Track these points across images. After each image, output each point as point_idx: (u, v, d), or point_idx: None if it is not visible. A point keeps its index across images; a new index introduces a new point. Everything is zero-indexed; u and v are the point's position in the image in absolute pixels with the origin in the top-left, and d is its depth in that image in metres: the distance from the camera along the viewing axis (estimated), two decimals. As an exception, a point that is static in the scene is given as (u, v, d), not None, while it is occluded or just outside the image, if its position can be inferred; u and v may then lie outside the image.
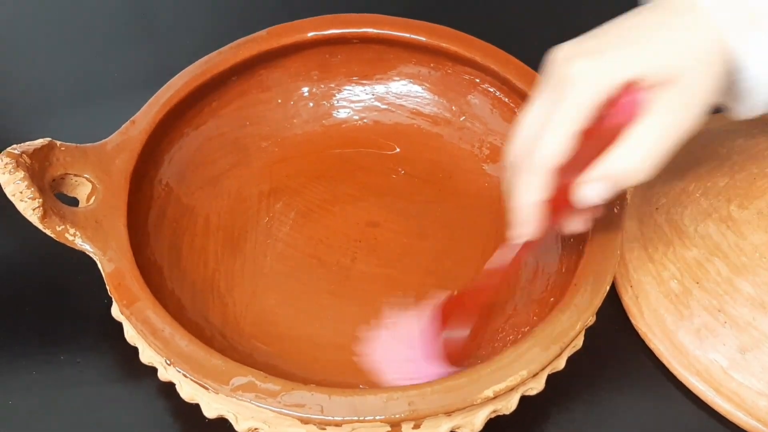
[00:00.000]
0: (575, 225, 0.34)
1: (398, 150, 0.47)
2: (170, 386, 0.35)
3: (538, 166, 0.31)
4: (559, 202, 0.32)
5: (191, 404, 0.35)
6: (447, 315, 0.37)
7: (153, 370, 0.36)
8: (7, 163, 0.35)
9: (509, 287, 0.41)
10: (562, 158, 0.30)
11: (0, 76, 0.52)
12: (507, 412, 0.35)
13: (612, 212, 0.38)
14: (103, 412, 0.38)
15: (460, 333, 0.37)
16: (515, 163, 0.32)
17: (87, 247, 0.36)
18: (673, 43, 0.30)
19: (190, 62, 0.44)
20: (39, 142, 0.37)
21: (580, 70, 0.29)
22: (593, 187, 0.31)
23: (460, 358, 0.37)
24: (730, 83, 0.31)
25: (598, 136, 0.30)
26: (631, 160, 0.30)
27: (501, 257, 0.35)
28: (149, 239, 0.40)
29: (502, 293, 0.39)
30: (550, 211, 0.32)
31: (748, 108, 0.32)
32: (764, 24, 0.30)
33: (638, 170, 0.30)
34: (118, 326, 0.38)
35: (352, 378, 0.38)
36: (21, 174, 0.35)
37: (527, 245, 0.34)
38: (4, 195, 0.35)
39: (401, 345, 0.38)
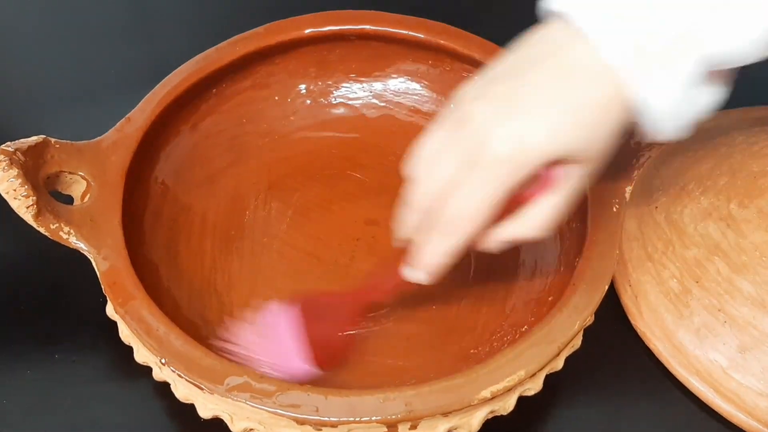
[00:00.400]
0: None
1: (397, 148, 0.47)
2: (166, 386, 0.35)
3: (452, 232, 0.32)
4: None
5: (186, 404, 0.34)
6: (320, 314, 0.37)
7: (148, 370, 0.36)
8: (0, 161, 0.34)
9: (507, 286, 0.41)
10: (478, 232, 0.32)
11: (-4, 73, 0.52)
12: (504, 413, 0.34)
13: (611, 211, 0.38)
14: (98, 411, 0.38)
15: (331, 335, 0.37)
16: (423, 214, 0.33)
17: (81, 246, 0.36)
18: (586, 115, 0.30)
19: (187, 59, 0.43)
20: (33, 139, 0.37)
21: (516, 153, 0.30)
22: (494, 245, 0.33)
23: (330, 361, 0.36)
24: (633, 124, 0.32)
25: (509, 204, 0.32)
26: (531, 227, 0.33)
27: (390, 276, 0.36)
28: (145, 238, 0.40)
29: (378, 303, 0.39)
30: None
31: (657, 137, 0.33)
32: (663, 62, 0.30)
33: (536, 235, 0.33)
34: (114, 325, 0.37)
35: (349, 378, 0.38)
36: (15, 171, 0.34)
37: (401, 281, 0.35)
38: (-2, 193, 0.35)
39: (269, 338, 0.37)
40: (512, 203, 0.32)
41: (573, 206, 0.33)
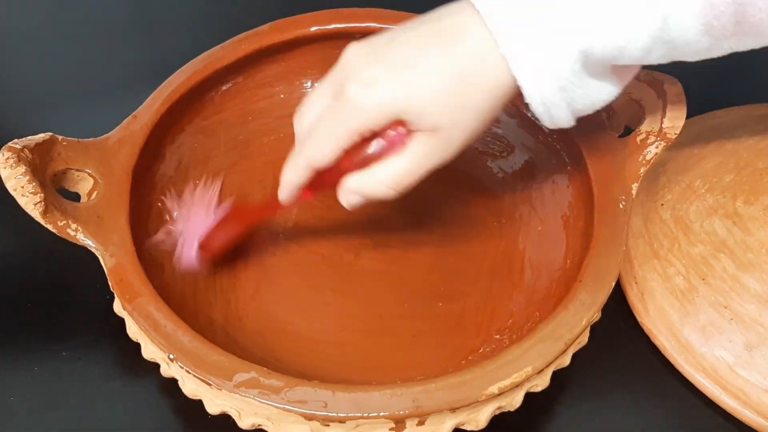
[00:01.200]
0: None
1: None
2: (173, 382, 0.35)
3: (302, 160, 0.35)
4: (321, 185, 0.36)
5: (194, 400, 0.34)
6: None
7: (155, 366, 0.36)
8: (8, 158, 0.35)
9: (513, 283, 0.41)
10: (320, 164, 0.34)
11: (1, 71, 0.52)
12: (512, 409, 0.34)
13: (618, 208, 0.38)
14: (105, 408, 0.38)
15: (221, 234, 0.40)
16: (295, 146, 0.36)
17: (89, 243, 0.36)
18: (448, 84, 0.31)
19: (192, 57, 0.43)
20: (41, 136, 0.37)
21: (361, 101, 0.32)
22: (347, 195, 0.35)
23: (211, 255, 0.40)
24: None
25: (361, 152, 0.34)
26: (380, 183, 0.34)
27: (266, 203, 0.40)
28: (151, 235, 0.40)
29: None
30: (312, 187, 0.36)
31: (547, 123, 0.34)
32: (544, 44, 0.31)
33: (384, 193, 0.34)
34: (120, 322, 0.37)
35: (355, 374, 0.38)
36: (22, 169, 0.35)
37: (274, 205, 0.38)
38: (6, 190, 0.35)
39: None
40: (366, 159, 0.34)
41: (423, 175, 0.34)
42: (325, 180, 0.36)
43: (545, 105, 0.32)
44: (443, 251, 0.43)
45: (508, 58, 0.31)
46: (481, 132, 0.34)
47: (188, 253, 0.39)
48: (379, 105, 0.32)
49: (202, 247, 0.39)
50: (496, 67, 0.31)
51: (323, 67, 0.47)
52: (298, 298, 0.41)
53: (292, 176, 0.36)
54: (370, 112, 0.32)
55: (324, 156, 0.34)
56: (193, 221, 0.40)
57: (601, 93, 0.33)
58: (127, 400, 0.38)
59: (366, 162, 0.34)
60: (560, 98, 0.32)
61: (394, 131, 0.33)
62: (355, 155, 0.34)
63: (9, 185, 0.34)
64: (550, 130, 0.44)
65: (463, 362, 0.38)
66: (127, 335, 0.37)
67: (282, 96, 0.47)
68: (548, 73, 0.31)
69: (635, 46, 0.31)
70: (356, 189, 0.35)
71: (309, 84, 0.47)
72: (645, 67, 0.40)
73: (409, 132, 0.33)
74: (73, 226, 0.36)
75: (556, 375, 0.35)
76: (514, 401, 0.34)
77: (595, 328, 0.37)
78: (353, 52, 0.33)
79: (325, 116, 0.34)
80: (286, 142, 0.46)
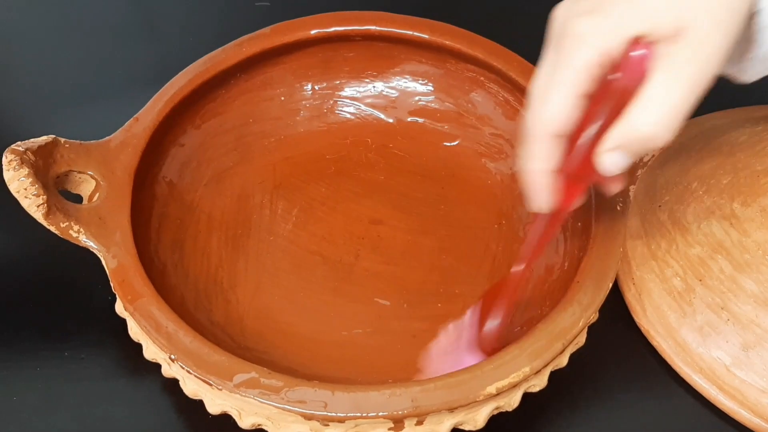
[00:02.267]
0: (611, 188, 0.32)
1: (402, 147, 0.47)
2: (174, 382, 0.35)
3: (540, 131, 0.29)
4: (580, 172, 0.30)
5: (195, 400, 0.35)
6: (488, 306, 0.37)
7: (157, 367, 0.36)
8: (11, 160, 0.35)
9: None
10: (565, 122, 0.29)
11: (4, 73, 0.53)
12: (509, 409, 0.35)
13: (615, 210, 0.38)
14: (107, 408, 0.38)
15: (497, 321, 0.36)
16: (525, 133, 0.31)
17: (91, 244, 0.36)
18: None
19: (194, 60, 0.44)
20: (43, 139, 0.37)
21: (581, 30, 0.28)
22: (612, 157, 0.29)
23: (497, 345, 0.35)
24: (745, 30, 0.29)
25: (609, 101, 0.28)
26: (646, 122, 0.28)
27: (531, 236, 0.34)
28: (152, 236, 0.40)
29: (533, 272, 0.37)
30: (571, 182, 0.31)
31: (757, 63, 0.30)
32: None
33: (655, 133, 0.28)
34: (122, 322, 0.38)
35: (354, 375, 0.38)
36: (25, 171, 0.35)
37: (553, 218, 0.33)
38: (8, 192, 0.35)
39: (449, 341, 0.38)
40: (615, 104, 0.28)
41: (693, 99, 0.27)
42: (582, 162, 0.29)
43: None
44: (443, 252, 0.43)
45: None
46: (737, 34, 0.28)
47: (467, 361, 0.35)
48: (607, 21, 0.27)
49: (486, 346, 0.36)
50: None
51: (324, 69, 0.47)
52: (298, 298, 0.41)
53: (537, 163, 0.29)
54: (600, 33, 0.27)
55: (563, 112, 0.28)
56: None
57: None
58: (129, 399, 0.39)
59: (617, 109, 0.28)
60: None
61: (634, 56, 0.27)
62: (602, 103, 0.28)
63: (12, 187, 0.35)
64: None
65: (462, 362, 0.38)
66: (128, 335, 0.37)
67: (283, 98, 0.47)
68: None
69: None
70: (618, 143, 0.28)
71: (309, 87, 0.48)
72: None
73: (652, 49, 0.27)
74: (76, 227, 0.36)
75: (553, 375, 0.36)
76: (512, 401, 0.34)
77: (592, 329, 0.37)
78: (561, 8, 0.29)
79: (554, 70, 0.28)
80: (286, 143, 0.47)
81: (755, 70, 0.31)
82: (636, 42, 0.28)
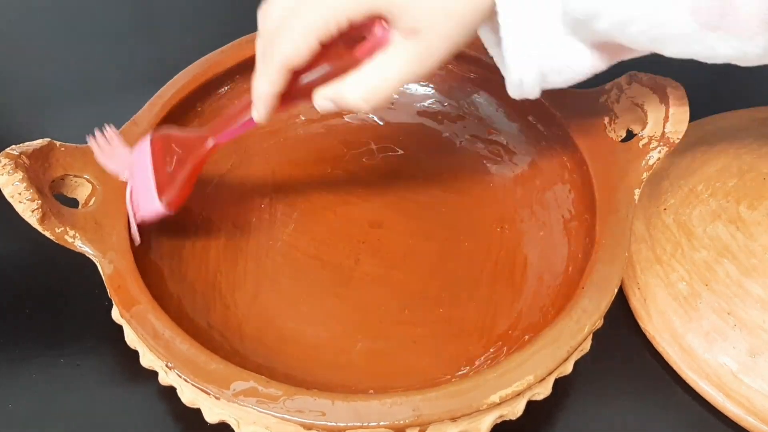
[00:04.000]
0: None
1: (402, 150, 0.47)
2: (170, 390, 0.35)
3: (276, 62, 0.33)
4: (297, 96, 0.34)
5: (192, 409, 0.34)
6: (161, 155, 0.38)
7: (153, 374, 0.36)
8: (5, 164, 0.34)
9: (515, 289, 0.41)
10: (298, 61, 0.32)
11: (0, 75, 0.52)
12: (513, 418, 0.34)
13: (620, 213, 0.37)
14: (104, 415, 0.38)
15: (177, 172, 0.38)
16: (259, 50, 0.34)
17: (87, 249, 0.36)
18: None
19: (193, 61, 0.43)
20: (38, 142, 0.37)
21: None
22: (322, 102, 0.34)
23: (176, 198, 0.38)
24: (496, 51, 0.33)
25: (336, 57, 0.32)
26: (353, 94, 0.32)
27: (233, 121, 0.37)
28: (150, 241, 0.40)
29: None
30: (288, 99, 0.34)
31: (512, 85, 0.33)
32: None
33: (358, 105, 0.33)
34: (119, 329, 0.37)
35: (355, 381, 0.37)
36: (20, 175, 0.34)
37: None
38: (1, 196, 0.35)
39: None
40: (342, 62, 0.32)
41: (397, 86, 0.32)
42: (299, 89, 0.33)
43: (515, 48, 0.31)
44: (444, 257, 0.42)
45: None
46: (460, 47, 0.32)
47: (148, 202, 0.37)
48: None
49: (164, 189, 0.37)
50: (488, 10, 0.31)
51: (323, 70, 0.47)
52: (298, 303, 0.40)
53: (266, 86, 0.33)
54: (348, 1, 0.31)
55: (299, 51, 0.32)
56: (139, 173, 0.38)
57: (577, 59, 0.32)
58: (126, 407, 0.38)
59: (342, 65, 0.32)
60: (533, 48, 0.31)
61: (374, 27, 0.31)
62: (331, 55, 0.32)
63: (6, 192, 0.34)
64: (549, 134, 0.43)
65: (464, 369, 0.37)
66: (125, 342, 0.37)
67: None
68: (527, 14, 0.31)
69: (616, 8, 0.30)
70: (329, 95, 0.33)
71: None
72: (647, 70, 0.40)
73: (387, 34, 0.31)
74: (71, 232, 0.36)
75: (558, 383, 0.35)
76: (515, 410, 0.34)
77: (597, 335, 0.37)
78: None
79: (298, 6, 0.31)
80: (286, 146, 0.47)
81: (513, 93, 0.35)
82: (377, 20, 0.31)
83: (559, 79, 0.33)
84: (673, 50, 0.31)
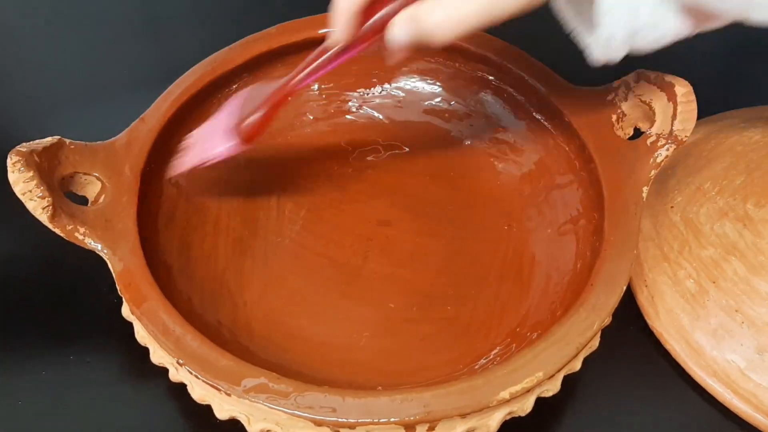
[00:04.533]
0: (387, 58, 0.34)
1: (409, 148, 0.47)
2: (181, 387, 0.35)
3: None
4: (374, 31, 0.34)
5: (202, 405, 0.34)
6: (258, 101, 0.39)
7: (163, 371, 0.36)
8: (16, 162, 0.34)
9: (523, 287, 0.41)
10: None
11: (7, 74, 0.52)
12: (522, 414, 0.34)
13: (628, 211, 0.37)
14: (112, 412, 0.38)
15: (260, 114, 0.38)
16: None
17: (97, 247, 0.36)
18: None
19: (199, 60, 0.43)
20: (48, 140, 0.37)
21: None
22: (398, 29, 0.32)
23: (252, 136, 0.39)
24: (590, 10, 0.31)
25: None
26: (433, 14, 0.31)
27: (321, 58, 0.36)
28: (159, 238, 0.40)
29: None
30: (366, 34, 0.34)
31: (598, 45, 0.32)
32: None
33: (434, 33, 0.31)
34: (128, 326, 0.37)
35: (364, 379, 0.38)
36: (30, 173, 0.34)
37: (342, 52, 0.35)
38: (12, 194, 0.35)
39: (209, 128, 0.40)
40: None
41: (496, 20, 0.31)
42: (375, 25, 0.33)
43: (607, 17, 0.31)
44: (451, 254, 0.42)
45: None
46: (536, 3, 0.31)
47: (219, 141, 0.38)
48: None
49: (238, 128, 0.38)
50: None
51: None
52: (306, 301, 0.41)
53: (345, 2, 0.32)
54: None
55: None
56: (210, 122, 0.39)
57: (665, 20, 0.31)
58: (135, 404, 0.38)
59: None
60: (626, 4, 0.30)
61: None
62: None
63: (17, 189, 0.34)
64: (557, 132, 0.43)
65: (473, 366, 0.37)
66: (134, 339, 0.37)
67: (289, 98, 0.47)
68: None
69: None
70: (405, 18, 0.32)
71: (316, 87, 0.47)
72: (655, 68, 0.40)
73: None
74: (81, 230, 0.36)
75: (566, 379, 0.35)
76: (525, 406, 0.34)
77: (604, 332, 0.37)
78: None
79: None
80: (292, 144, 0.47)
81: (597, 52, 0.34)
82: None
83: (644, 41, 0.32)
84: (762, 15, 0.30)
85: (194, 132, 0.41)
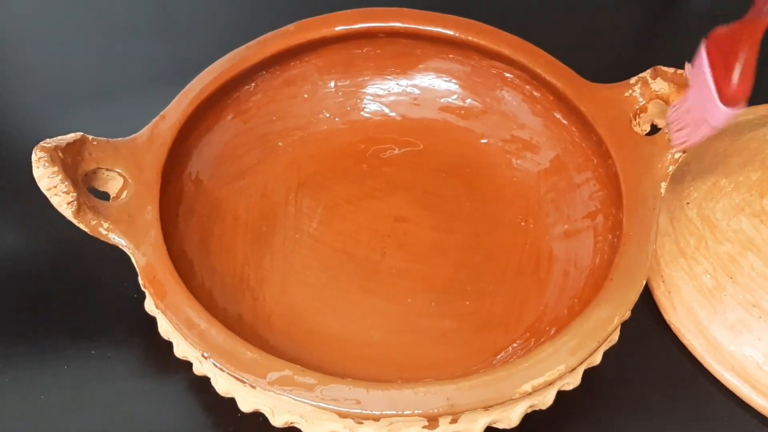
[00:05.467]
0: None
1: (425, 145, 0.47)
2: (203, 381, 0.35)
3: None
4: None
5: (224, 399, 0.35)
6: (722, 57, 0.35)
7: (184, 365, 0.36)
8: (41, 157, 0.35)
9: (541, 282, 0.41)
10: None
11: (27, 72, 0.52)
12: (543, 407, 0.34)
13: (646, 206, 0.38)
14: (135, 406, 0.38)
15: (740, 66, 0.34)
16: None
17: (121, 242, 0.36)
18: None
19: (217, 57, 0.43)
20: (71, 136, 0.37)
21: None
22: None
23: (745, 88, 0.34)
24: None
25: None
26: None
27: None
28: (180, 234, 0.40)
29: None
30: None
31: None
32: None
33: None
34: (149, 320, 0.37)
35: (384, 374, 0.38)
36: (55, 168, 0.35)
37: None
38: (33, 189, 0.35)
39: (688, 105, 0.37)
40: None
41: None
42: None
43: None
44: (469, 250, 0.43)
45: None
46: None
47: (712, 112, 0.34)
48: None
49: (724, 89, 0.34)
50: None
51: (347, 67, 0.47)
52: (325, 296, 0.41)
53: None
54: None
55: None
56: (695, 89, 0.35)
57: None
58: (157, 398, 0.38)
59: None
60: None
61: None
62: None
63: (42, 185, 0.35)
64: (574, 128, 0.44)
65: (492, 361, 0.38)
66: (155, 333, 0.37)
67: (306, 96, 0.47)
68: None
69: None
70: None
71: (333, 84, 0.47)
72: (672, 65, 0.40)
73: None
74: (105, 225, 0.36)
75: (586, 373, 0.35)
76: (546, 399, 0.34)
77: (622, 327, 0.37)
78: None
79: None
80: (310, 141, 0.47)
81: None
82: None
83: None
84: None
85: (678, 108, 0.37)
